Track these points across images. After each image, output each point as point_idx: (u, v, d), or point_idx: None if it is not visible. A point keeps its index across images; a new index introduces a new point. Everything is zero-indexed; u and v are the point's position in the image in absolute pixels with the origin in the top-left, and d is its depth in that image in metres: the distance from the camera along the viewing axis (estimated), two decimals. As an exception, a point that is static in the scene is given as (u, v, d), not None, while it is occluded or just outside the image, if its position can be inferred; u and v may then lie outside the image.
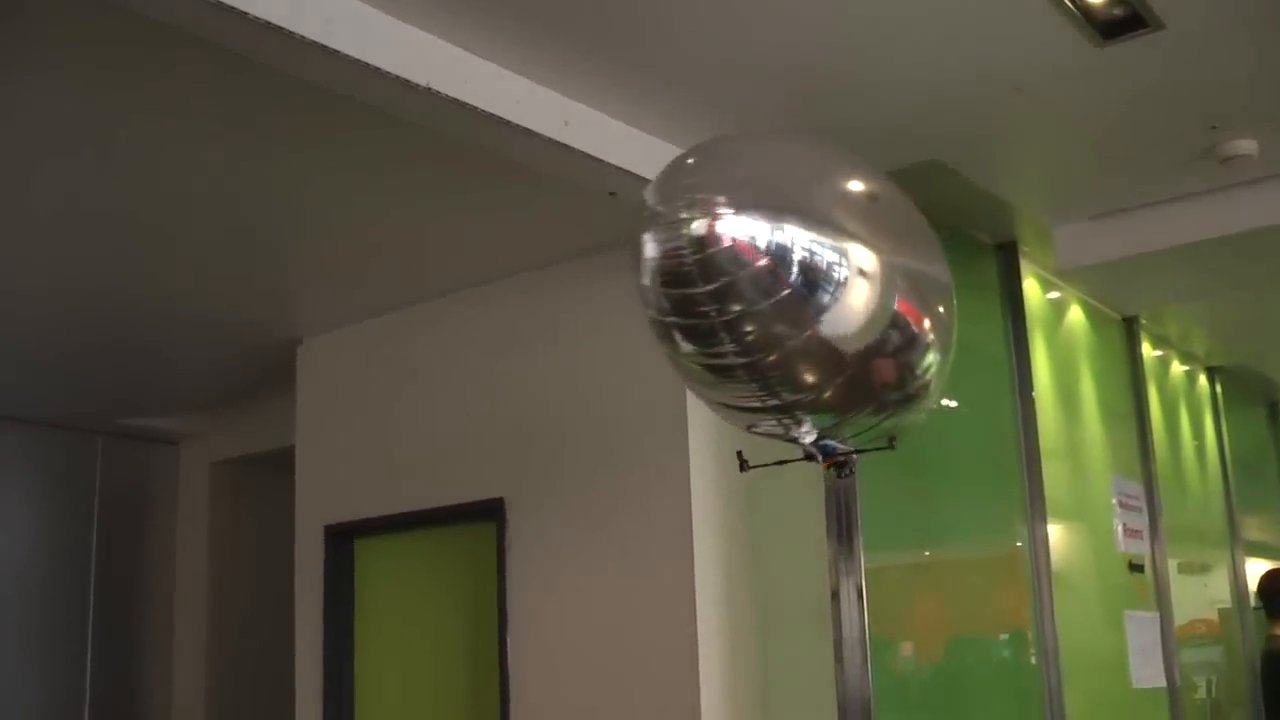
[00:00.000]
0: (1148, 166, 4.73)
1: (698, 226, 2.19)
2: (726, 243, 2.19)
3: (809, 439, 2.71)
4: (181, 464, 8.23)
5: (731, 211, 2.21)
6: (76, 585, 7.68)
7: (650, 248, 2.24)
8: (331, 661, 5.81)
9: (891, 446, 2.77)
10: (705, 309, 2.24)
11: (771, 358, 2.34)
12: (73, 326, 6.01)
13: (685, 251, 2.20)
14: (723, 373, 2.41)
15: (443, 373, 5.59)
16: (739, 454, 2.81)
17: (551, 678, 4.97)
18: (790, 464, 2.98)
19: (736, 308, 2.23)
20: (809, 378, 2.42)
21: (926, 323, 2.51)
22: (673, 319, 2.31)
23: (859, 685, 4.12)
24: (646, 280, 2.27)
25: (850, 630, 4.19)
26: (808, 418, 2.57)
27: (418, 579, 5.75)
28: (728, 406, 2.62)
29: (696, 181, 2.31)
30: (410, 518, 5.57)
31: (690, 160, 2.37)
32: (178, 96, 3.76)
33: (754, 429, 2.82)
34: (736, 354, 2.32)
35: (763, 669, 4.72)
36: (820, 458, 2.79)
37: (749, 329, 2.27)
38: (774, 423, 2.58)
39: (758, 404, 2.49)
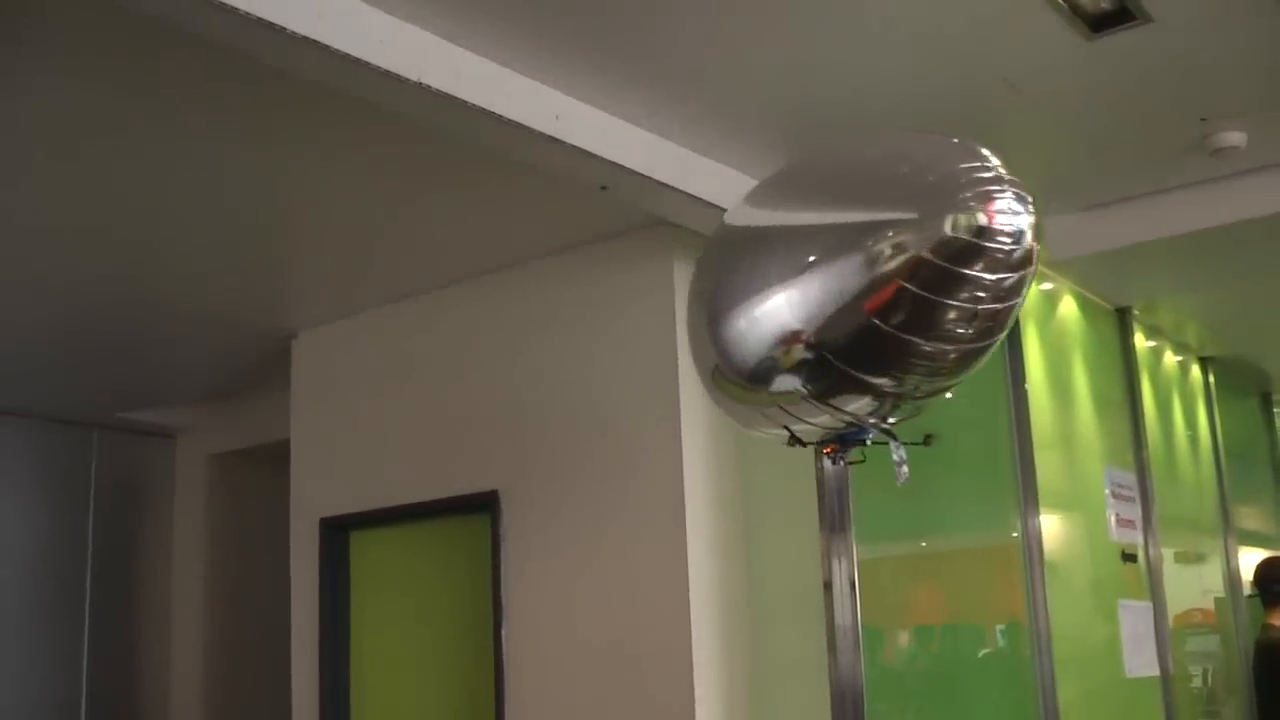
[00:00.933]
0: (1138, 158, 4.75)
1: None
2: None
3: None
4: (178, 457, 8.24)
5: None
6: (73, 578, 7.69)
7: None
8: (327, 653, 5.83)
9: (927, 443, 2.92)
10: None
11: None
12: (68, 321, 6.02)
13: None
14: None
15: (437, 366, 5.60)
16: (790, 433, 2.88)
17: (546, 668, 4.99)
18: (791, 450, 3.04)
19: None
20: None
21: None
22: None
23: (851, 674, 4.17)
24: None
25: (843, 620, 4.24)
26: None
27: (413, 571, 5.77)
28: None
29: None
30: (405, 510, 5.59)
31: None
32: (171, 92, 3.76)
33: (756, 428, 2.89)
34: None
35: (758, 658, 4.74)
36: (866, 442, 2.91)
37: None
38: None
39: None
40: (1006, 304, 2.43)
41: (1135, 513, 6.24)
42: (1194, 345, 7.59)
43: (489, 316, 5.43)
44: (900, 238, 2.37)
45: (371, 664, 5.82)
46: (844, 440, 2.98)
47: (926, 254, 2.36)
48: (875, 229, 2.43)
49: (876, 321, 2.43)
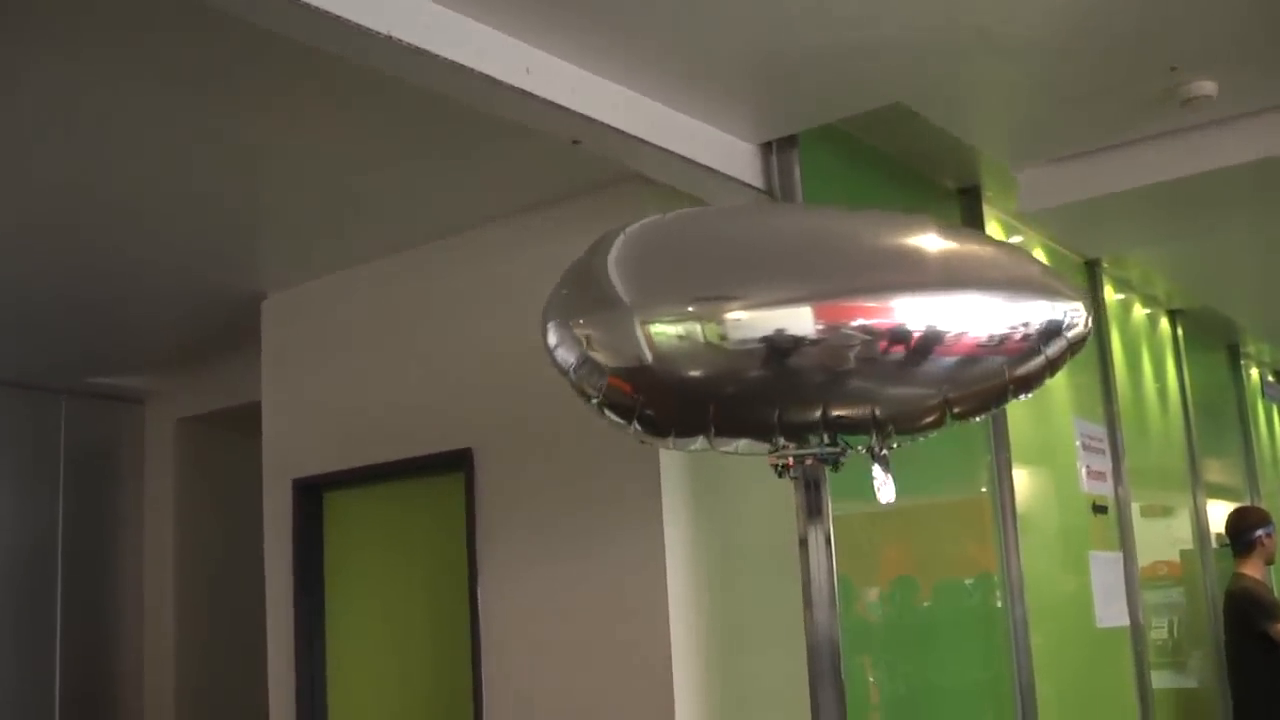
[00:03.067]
0: (1109, 109, 4.74)
1: None
2: None
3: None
4: (147, 422, 8.22)
5: None
6: (44, 543, 7.66)
7: None
8: (302, 614, 5.82)
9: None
10: None
11: None
12: (34, 284, 5.95)
13: None
14: None
15: (408, 324, 5.58)
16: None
17: (523, 627, 4.99)
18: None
19: None
20: None
21: None
22: None
23: (828, 628, 4.18)
24: None
25: (818, 574, 4.25)
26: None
27: (388, 531, 5.77)
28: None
29: None
30: (379, 470, 5.58)
31: None
32: (137, 53, 3.73)
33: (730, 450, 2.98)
34: None
35: (734, 610, 4.76)
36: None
37: None
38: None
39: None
40: None
41: (1105, 465, 6.29)
42: (1162, 298, 7.63)
43: (461, 274, 5.40)
44: None
45: (347, 624, 5.82)
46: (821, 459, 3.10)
47: None
48: None
49: None
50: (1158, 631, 6.89)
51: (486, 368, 5.22)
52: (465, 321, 5.35)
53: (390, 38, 3.34)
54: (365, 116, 4.29)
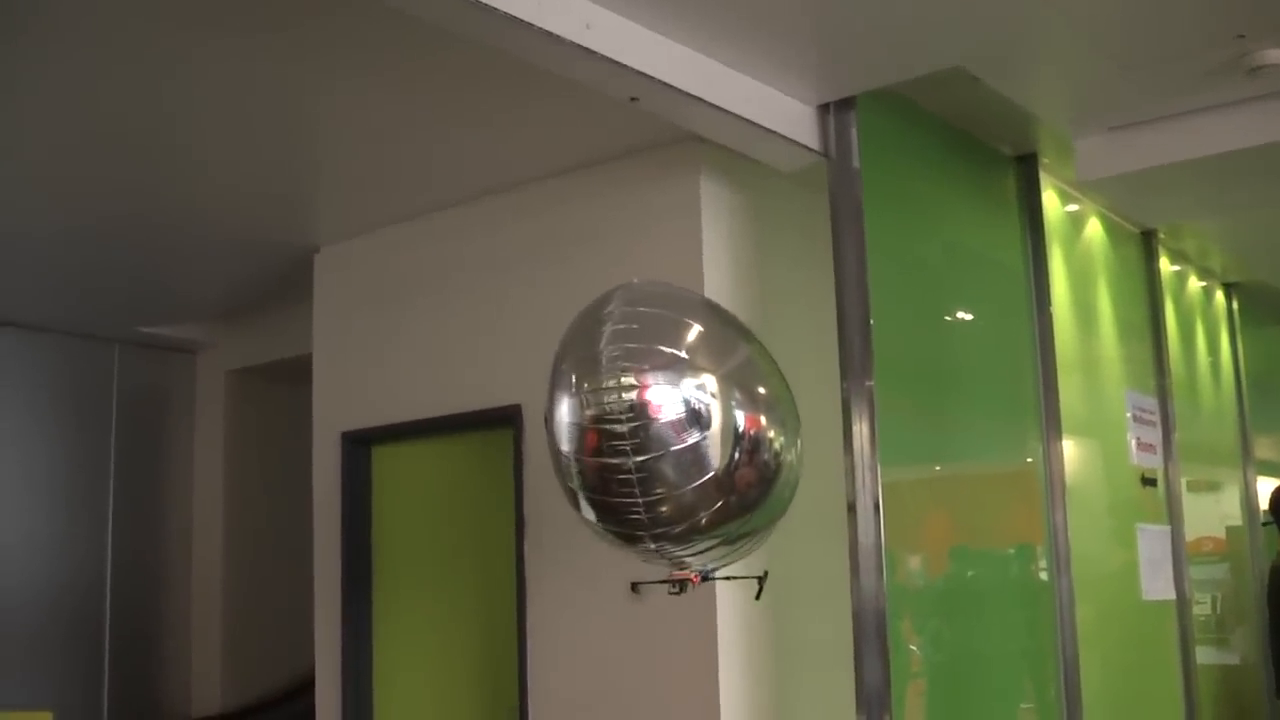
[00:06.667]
0: (1172, 77, 4.67)
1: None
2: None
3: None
4: (199, 372, 8.27)
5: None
6: (96, 491, 7.74)
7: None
8: (349, 566, 5.87)
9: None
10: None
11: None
12: (89, 234, 6.00)
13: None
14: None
15: (460, 279, 5.59)
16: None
17: (568, 579, 5.01)
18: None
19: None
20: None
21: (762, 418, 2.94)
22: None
23: (874, 594, 4.19)
24: None
25: (866, 540, 4.26)
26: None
27: (435, 485, 5.80)
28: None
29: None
30: (428, 424, 5.60)
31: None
32: (198, 4, 3.74)
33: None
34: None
35: (781, 572, 4.76)
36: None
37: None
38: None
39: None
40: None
41: (1156, 437, 6.23)
42: (1218, 271, 7.54)
43: (514, 231, 5.41)
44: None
45: (394, 577, 5.86)
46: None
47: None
48: None
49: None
50: (1201, 607, 6.85)
51: (537, 324, 5.21)
52: (516, 277, 5.35)
53: (451, -9, 3.34)
54: (421, 72, 4.29)
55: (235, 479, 8.00)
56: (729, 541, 2.97)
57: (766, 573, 3.46)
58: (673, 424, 2.71)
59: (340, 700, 5.81)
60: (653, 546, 2.89)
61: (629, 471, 2.68)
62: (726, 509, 2.84)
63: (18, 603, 7.26)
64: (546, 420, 2.87)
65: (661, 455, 2.69)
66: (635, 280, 3.16)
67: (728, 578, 3.18)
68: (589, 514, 2.91)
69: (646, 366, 2.74)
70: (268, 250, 6.36)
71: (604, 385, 2.73)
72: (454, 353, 5.55)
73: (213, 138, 4.87)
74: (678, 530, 2.84)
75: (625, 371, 2.71)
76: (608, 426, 2.70)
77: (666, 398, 2.70)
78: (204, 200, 5.61)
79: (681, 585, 3.17)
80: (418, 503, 5.85)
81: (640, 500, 2.71)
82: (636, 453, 2.67)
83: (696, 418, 2.72)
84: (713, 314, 3.13)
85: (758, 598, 3.50)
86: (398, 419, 5.73)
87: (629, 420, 2.66)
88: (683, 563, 3.06)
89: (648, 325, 2.88)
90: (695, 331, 2.92)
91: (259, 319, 7.66)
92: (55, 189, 5.38)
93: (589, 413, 2.74)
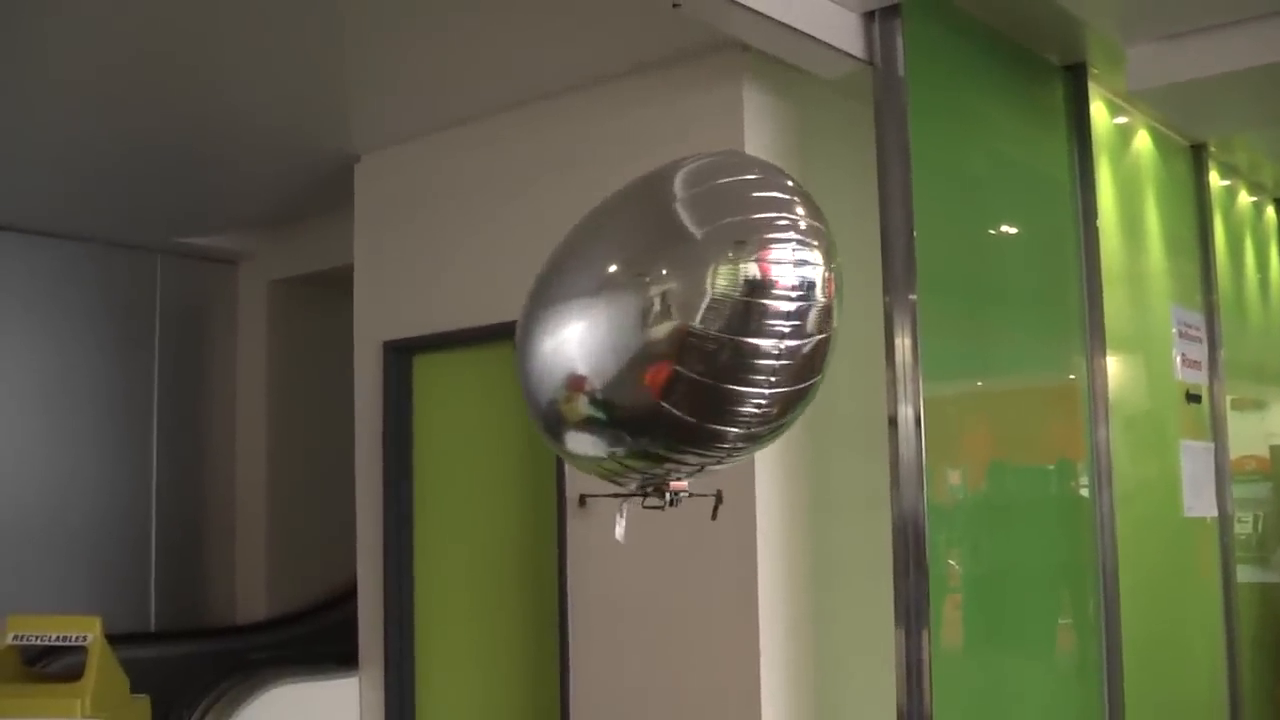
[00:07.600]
0: (1227, -17, 4.57)
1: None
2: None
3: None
4: (240, 282, 8.31)
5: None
6: (139, 400, 7.82)
7: None
8: (391, 476, 5.92)
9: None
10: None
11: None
12: (129, 142, 6.01)
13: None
14: None
15: (502, 188, 5.57)
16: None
17: (608, 487, 5.01)
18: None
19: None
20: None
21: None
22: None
23: (914, 508, 4.19)
24: None
25: (907, 454, 4.24)
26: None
27: (476, 394, 5.81)
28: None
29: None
30: (469, 334, 5.61)
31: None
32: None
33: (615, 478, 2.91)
34: None
35: (820, 485, 4.77)
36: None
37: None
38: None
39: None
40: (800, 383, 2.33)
41: (1201, 354, 6.17)
42: (1269, 186, 7.40)
43: (555, 139, 5.37)
44: (666, 299, 2.30)
45: (434, 486, 5.90)
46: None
47: (696, 325, 2.26)
48: (643, 287, 2.36)
49: (665, 406, 2.35)
50: (1242, 525, 6.80)
51: (578, 234, 5.20)
52: (558, 186, 5.31)
53: (492, -108, 3.29)
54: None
55: (278, 390, 8.05)
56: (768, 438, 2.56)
57: (721, 492, 3.29)
58: (801, 301, 2.34)
59: (383, 607, 5.89)
60: (740, 446, 2.49)
61: (775, 356, 2.32)
62: (810, 393, 2.46)
63: (65, 513, 7.37)
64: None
65: (812, 338, 2.33)
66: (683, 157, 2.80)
67: (691, 495, 2.93)
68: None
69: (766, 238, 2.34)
70: (308, 159, 6.34)
71: (722, 265, 2.32)
72: (495, 261, 5.53)
73: (253, 45, 4.85)
74: (777, 423, 2.46)
75: (741, 245, 2.31)
76: (773, 303, 2.29)
77: (785, 273, 2.31)
78: (246, 110, 5.60)
79: (674, 497, 2.93)
80: (460, 412, 5.88)
81: (766, 393, 2.34)
82: (795, 336, 2.31)
83: (810, 290, 2.33)
84: (780, 174, 2.61)
85: (714, 517, 3.32)
86: (440, 328, 5.75)
87: (798, 299, 2.29)
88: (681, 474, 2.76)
89: (731, 196, 2.49)
90: (785, 197, 2.48)
91: (301, 229, 7.67)
92: (95, 100, 5.37)
93: (729, 294, 2.30)
